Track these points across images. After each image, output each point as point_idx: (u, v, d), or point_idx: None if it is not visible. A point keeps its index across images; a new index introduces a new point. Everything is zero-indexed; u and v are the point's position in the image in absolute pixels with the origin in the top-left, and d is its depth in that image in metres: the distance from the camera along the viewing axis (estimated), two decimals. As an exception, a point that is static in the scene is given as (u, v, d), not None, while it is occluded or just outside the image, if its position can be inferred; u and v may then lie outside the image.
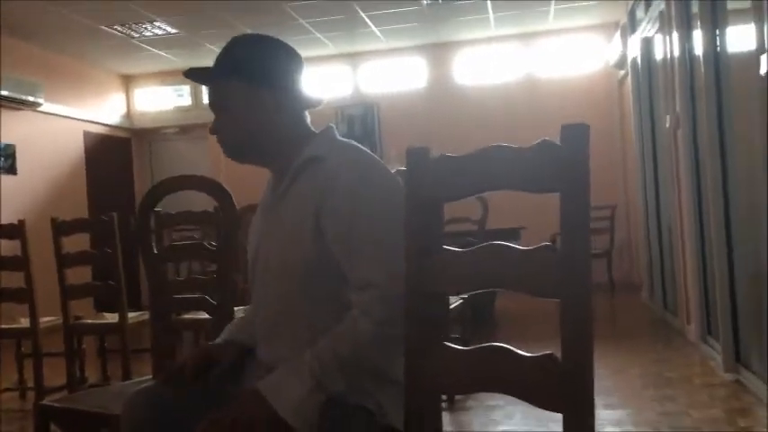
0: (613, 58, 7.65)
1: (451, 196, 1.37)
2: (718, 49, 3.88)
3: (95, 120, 8.72)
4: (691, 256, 4.51)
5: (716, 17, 3.87)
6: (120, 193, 9.10)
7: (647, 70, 6.11)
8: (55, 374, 4.11)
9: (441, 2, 6.96)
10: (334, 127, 1.57)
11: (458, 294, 1.40)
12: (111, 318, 3.92)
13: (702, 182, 4.28)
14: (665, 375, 3.80)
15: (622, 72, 7.68)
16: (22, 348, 4.37)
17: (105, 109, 9.00)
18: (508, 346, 1.16)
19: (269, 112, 1.49)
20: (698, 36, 4.15)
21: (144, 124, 9.53)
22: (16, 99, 7.12)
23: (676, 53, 4.64)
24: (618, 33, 7.40)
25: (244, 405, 1.30)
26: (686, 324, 4.74)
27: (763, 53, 2.91)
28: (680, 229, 4.83)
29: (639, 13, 6.30)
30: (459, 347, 1.23)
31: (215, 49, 7.30)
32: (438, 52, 8.74)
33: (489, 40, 8.47)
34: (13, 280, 3.92)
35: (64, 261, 3.75)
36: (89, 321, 3.99)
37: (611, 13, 7.57)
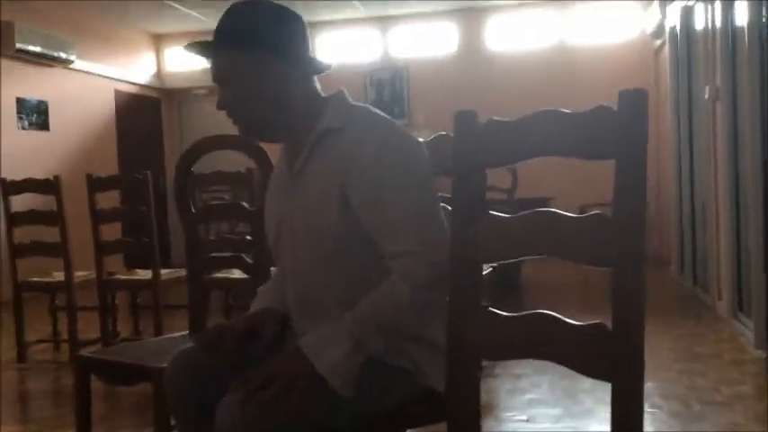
0: (650, 26, 7.48)
1: (499, 161, 1.36)
2: (764, 18, 3.77)
3: (126, 79, 8.75)
4: (725, 231, 4.45)
5: (764, -15, 3.76)
6: (149, 152, 9.16)
7: (686, 40, 5.96)
8: (88, 328, 4.19)
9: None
10: (345, 91, 1.50)
11: (503, 261, 1.39)
12: (143, 274, 3.98)
13: (740, 155, 4.20)
14: (694, 350, 3.77)
15: (659, 41, 7.51)
16: (56, 302, 4.46)
17: (136, 68, 9.02)
18: (555, 314, 1.15)
19: (278, 81, 1.42)
20: (742, 5, 4.03)
21: (173, 84, 9.55)
22: (48, 56, 7.15)
23: (718, 22, 4.52)
24: (656, 1, 7.22)
25: (284, 362, 1.31)
26: (717, 300, 4.69)
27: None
28: (715, 203, 4.75)
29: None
30: (505, 314, 1.23)
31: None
32: (469, 17, 8.61)
33: (522, 5, 8.32)
34: (47, 234, 3.98)
35: (98, 217, 3.80)
36: (123, 277, 4.06)
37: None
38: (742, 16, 4.04)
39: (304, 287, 1.48)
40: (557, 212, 1.17)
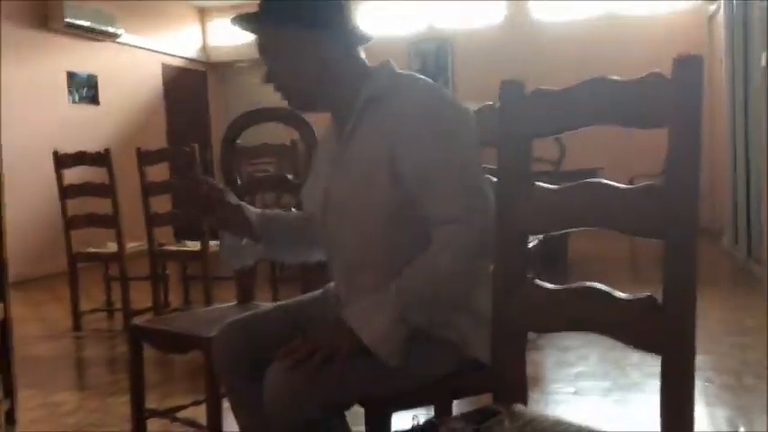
0: (705, -9, 7.23)
1: (546, 132, 1.33)
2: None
3: (172, 52, 8.85)
4: (780, 202, 4.32)
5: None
6: (195, 124, 9.28)
7: (743, 4, 5.74)
8: (140, 297, 4.31)
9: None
10: (391, 61, 1.49)
11: (550, 232, 1.37)
12: (193, 245, 4.06)
13: (799, 124, 4.05)
14: (746, 324, 3.69)
15: (713, 7, 7.26)
16: (110, 272, 4.59)
17: (182, 41, 9.11)
18: (603, 287, 1.14)
19: (321, 54, 1.43)
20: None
21: (218, 57, 9.63)
22: (96, 30, 7.27)
23: (778, -15, 4.34)
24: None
25: (328, 333, 1.32)
26: (770, 273, 4.58)
27: None
28: (770, 174, 4.61)
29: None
30: (552, 286, 1.22)
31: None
32: (516, -15, 8.44)
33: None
34: (99, 206, 4.08)
35: (148, 189, 3.87)
36: (173, 248, 4.14)
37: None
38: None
39: (352, 259, 1.48)
40: (605, 183, 1.14)
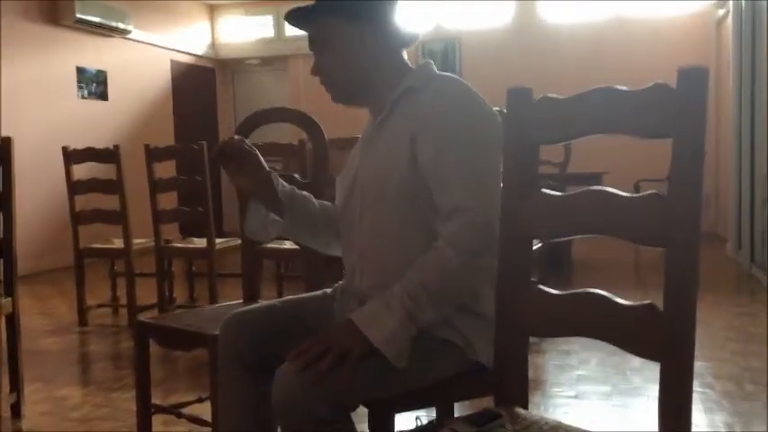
0: (714, -4, 7.23)
1: (553, 140, 1.34)
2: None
3: (182, 49, 8.88)
4: (785, 209, 4.32)
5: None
6: (204, 121, 9.32)
7: (751, 10, 5.74)
8: (146, 294, 4.34)
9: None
10: (432, 63, 1.57)
11: (555, 239, 1.39)
12: (199, 242, 4.08)
13: (805, 132, 4.05)
14: (749, 330, 3.70)
15: (722, 11, 7.25)
16: (116, 268, 4.62)
17: (191, 38, 9.14)
18: (605, 293, 1.15)
19: (372, 49, 1.50)
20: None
21: (228, 55, 9.66)
22: (107, 26, 7.31)
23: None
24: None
25: (337, 335, 1.34)
26: (774, 279, 4.58)
27: None
28: (775, 180, 4.61)
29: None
30: (555, 291, 1.23)
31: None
32: (525, -13, 8.45)
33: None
34: (106, 202, 4.11)
35: (156, 186, 3.90)
36: (179, 245, 4.17)
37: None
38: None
39: (368, 241, 1.51)
40: (609, 191, 1.16)
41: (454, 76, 1.52)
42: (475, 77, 8.37)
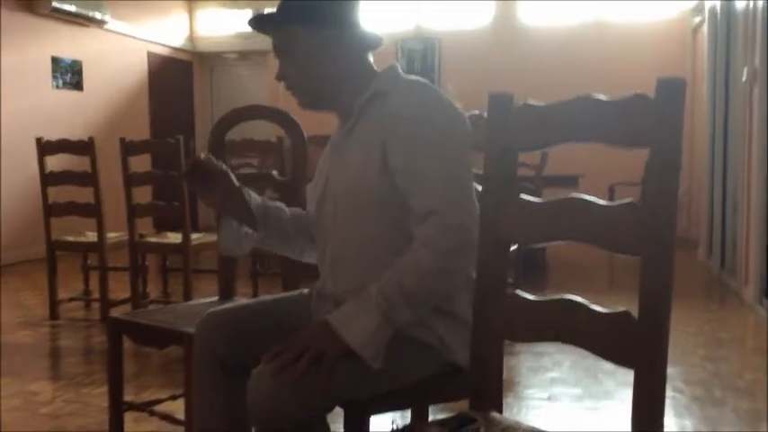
0: (689, 3, 7.32)
1: (532, 146, 1.36)
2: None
3: (159, 41, 8.79)
4: (755, 215, 4.40)
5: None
6: (180, 114, 9.23)
7: (727, 18, 5.83)
8: (119, 288, 4.29)
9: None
10: (398, 65, 1.57)
11: (532, 244, 1.40)
12: (174, 237, 4.05)
13: (776, 141, 4.13)
14: (718, 336, 3.76)
15: (697, 19, 7.35)
16: (89, 261, 4.56)
17: (169, 30, 9.05)
18: (581, 300, 1.17)
19: (336, 57, 1.49)
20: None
21: (205, 48, 9.58)
22: (83, 15, 7.21)
23: (761, 1, 4.41)
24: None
25: (313, 336, 1.34)
26: (744, 285, 4.66)
27: None
28: (746, 187, 4.69)
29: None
30: (531, 297, 1.25)
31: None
32: (506, -11, 8.50)
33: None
34: (81, 195, 4.06)
35: (131, 180, 3.86)
36: (153, 240, 4.13)
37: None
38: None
39: (340, 245, 1.51)
40: (587, 199, 1.17)
41: (420, 79, 1.52)
42: (454, 78, 8.43)
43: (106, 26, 7.65)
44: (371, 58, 1.55)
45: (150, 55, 8.65)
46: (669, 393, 2.80)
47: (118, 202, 3.93)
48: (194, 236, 4.01)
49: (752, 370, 3.15)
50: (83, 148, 3.99)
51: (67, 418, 2.60)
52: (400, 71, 1.54)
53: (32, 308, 4.51)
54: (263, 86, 8.96)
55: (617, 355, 1.09)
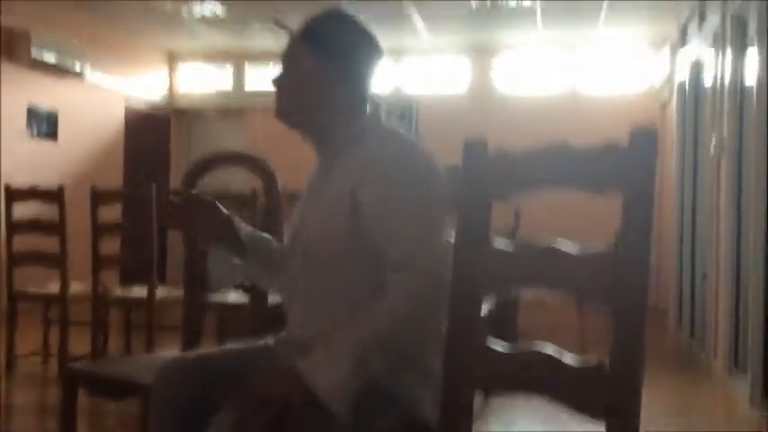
0: (660, 79, 7.56)
1: (506, 192, 1.34)
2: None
3: (138, 94, 8.81)
4: (724, 287, 4.43)
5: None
6: (155, 169, 9.17)
7: (695, 95, 6.02)
8: (79, 343, 4.14)
9: (489, 3, 6.95)
10: (383, 115, 1.58)
11: (506, 294, 1.38)
12: (139, 291, 3.95)
13: (743, 212, 4.20)
14: (687, 406, 3.73)
15: (667, 94, 7.59)
16: (49, 314, 4.42)
17: (148, 85, 9.08)
18: (552, 352, 1.14)
19: (330, 89, 1.51)
20: (753, 58, 4.06)
21: (185, 104, 9.61)
22: (62, 66, 7.21)
23: (728, 75, 4.55)
24: (667, 50, 7.31)
25: (279, 384, 1.29)
26: (713, 356, 4.65)
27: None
28: (715, 258, 4.74)
29: (692, 28, 6.15)
30: (503, 350, 1.21)
31: (260, 32, 7.34)
32: (482, 56, 8.72)
33: (535, 42, 8.38)
34: (48, 244, 3.96)
35: (99, 230, 3.78)
36: (118, 294, 4.02)
37: (662, 28, 7.41)
38: (752, 69, 4.06)
39: (309, 289, 1.49)
40: (559, 248, 1.16)
41: (398, 129, 1.53)
42: (431, 140, 8.53)
43: (85, 77, 7.66)
44: (368, 109, 1.56)
45: (128, 108, 8.65)
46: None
47: (86, 251, 3.84)
48: (160, 290, 3.91)
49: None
50: (51, 196, 3.92)
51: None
52: (381, 119, 1.56)
53: (-12, 361, 4.33)
54: (242, 143, 8.97)
55: (588, 408, 1.06)
